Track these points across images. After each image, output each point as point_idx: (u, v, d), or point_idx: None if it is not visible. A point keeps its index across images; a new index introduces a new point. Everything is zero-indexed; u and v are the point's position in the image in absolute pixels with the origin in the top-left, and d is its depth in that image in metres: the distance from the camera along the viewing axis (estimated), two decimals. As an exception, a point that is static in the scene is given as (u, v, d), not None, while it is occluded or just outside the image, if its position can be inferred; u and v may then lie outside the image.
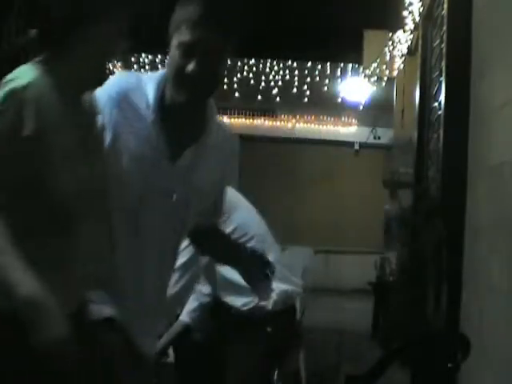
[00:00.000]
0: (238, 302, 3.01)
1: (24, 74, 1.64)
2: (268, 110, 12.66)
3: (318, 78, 10.98)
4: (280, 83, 11.26)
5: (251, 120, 12.81)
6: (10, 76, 1.64)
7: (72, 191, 1.66)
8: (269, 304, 2.97)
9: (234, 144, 2.07)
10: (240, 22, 1.88)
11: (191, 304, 3.09)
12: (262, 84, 11.24)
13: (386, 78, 8.52)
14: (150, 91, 1.88)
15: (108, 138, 1.85)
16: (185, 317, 3.11)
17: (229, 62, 1.96)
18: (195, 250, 2.60)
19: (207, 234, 2.13)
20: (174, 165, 1.89)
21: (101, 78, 1.75)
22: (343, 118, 12.86)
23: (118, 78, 1.96)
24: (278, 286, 2.86)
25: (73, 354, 1.53)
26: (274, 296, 2.94)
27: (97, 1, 1.68)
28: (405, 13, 6.22)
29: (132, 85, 1.91)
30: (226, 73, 1.95)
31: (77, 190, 1.66)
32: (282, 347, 3.21)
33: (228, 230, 2.82)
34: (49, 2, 1.67)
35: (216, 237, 2.17)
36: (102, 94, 1.83)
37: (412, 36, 6.56)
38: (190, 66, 1.79)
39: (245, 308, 2.99)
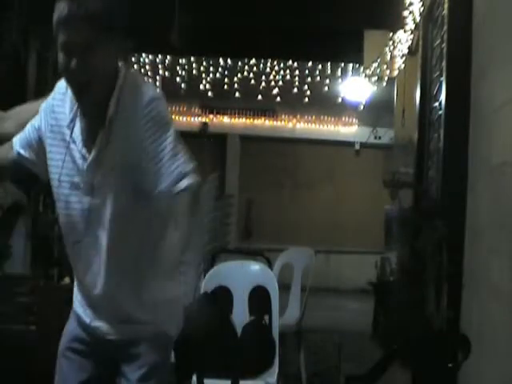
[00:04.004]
0: None
1: None
2: (268, 109, 12.65)
3: (318, 78, 10.97)
4: (280, 83, 11.25)
5: (251, 120, 12.81)
6: None
7: None
8: None
9: (144, 108, 1.98)
10: (114, 10, 1.97)
11: None
12: (262, 84, 11.23)
13: (386, 78, 8.51)
14: (68, 97, 2.07)
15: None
16: None
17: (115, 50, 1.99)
18: None
19: None
20: (87, 158, 2.02)
21: None
22: (344, 118, 12.85)
23: (53, 92, 2.15)
24: None
25: None
26: None
27: None
28: (405, 13, 6.21)
29: (59, 96, 2.10)
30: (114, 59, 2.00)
31: None
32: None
33: None
34: None
35: None
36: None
37: (412, 36, 6.55)
38: (71, 64, 1.92)
39: None
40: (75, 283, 2.20)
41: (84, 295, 2.15)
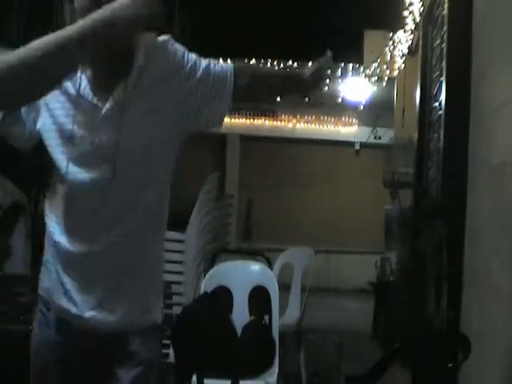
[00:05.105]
0: None
1: None
2: (268, 110, 12.64)
3: (318, 78, 10.97)
4: (280, 83, 11.23)
5: (251, 120, 12.80)
6: None
7: None
8: None
9: (168, 50, 1.95)
10: None
11: None
12: (262, 84, 11.22)
13: (386, 78, 8.52)
14: None
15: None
16: None
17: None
18: None
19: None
20: (101, 112, 1.87)
21: None
22: (344, 118, 12.85)
23: None
24: None
25: None
26: None
27: None
28: (405, 13, 6.22)
29: None
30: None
31: None
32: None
33: None
34: None
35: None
36: None
37: (412, 36, 6.56)
38: (97, 5, 1.75)
39: None
40: (54, 265, 1.98)
41: (77, 270, 1.93)
